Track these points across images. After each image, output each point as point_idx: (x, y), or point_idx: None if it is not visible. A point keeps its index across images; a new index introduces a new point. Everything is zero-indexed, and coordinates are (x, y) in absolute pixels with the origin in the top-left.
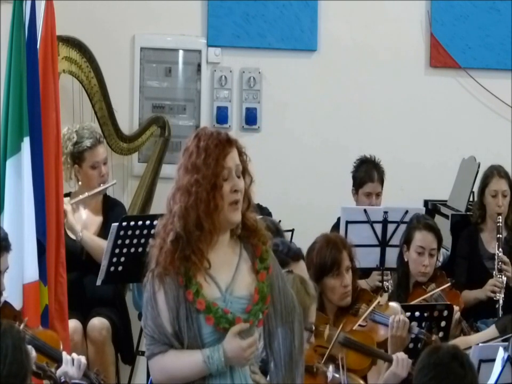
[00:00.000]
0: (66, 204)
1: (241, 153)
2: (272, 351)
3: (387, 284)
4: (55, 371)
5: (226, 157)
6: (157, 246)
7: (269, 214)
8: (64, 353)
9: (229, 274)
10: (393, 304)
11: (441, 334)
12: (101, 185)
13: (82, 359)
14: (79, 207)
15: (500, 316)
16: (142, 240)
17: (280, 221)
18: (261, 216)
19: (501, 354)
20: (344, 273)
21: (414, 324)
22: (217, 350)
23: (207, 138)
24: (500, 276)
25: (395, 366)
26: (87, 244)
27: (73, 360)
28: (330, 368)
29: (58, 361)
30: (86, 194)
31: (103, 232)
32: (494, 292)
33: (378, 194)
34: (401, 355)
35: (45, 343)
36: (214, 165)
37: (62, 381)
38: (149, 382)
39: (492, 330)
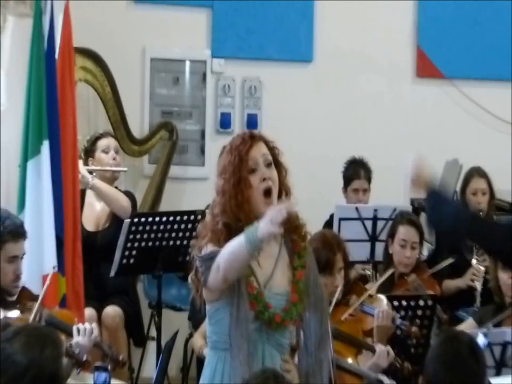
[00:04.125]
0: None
1: (269, 146)
2: (305, 337)
3: (369, 273)
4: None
5: (250, 150)
6: (203, 237)
7: None
8: (75, 326)
9: (268, 269)
10: (380, 296)
11: (426, 321)
12: (113, 167)
13: (94, 329)
14: (94, 200)
15: (478, 303)
16: (152, 235)
17: None
18: None
19: (481, 340)
20: (336, 274)
21: (397, 315)
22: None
23: (234, 141)
24: (478, 265)
25: (377, 357)
26: (99, 189)
27: (85, 329)
28: None
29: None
30: (99, 167)
31: (115, 223)
32: (473, 281)
33: (365, 191)
34: (383, 348)
35: (61, 321)
36: (238, 160)
37: (84, 360)
38: (157, 366)
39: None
